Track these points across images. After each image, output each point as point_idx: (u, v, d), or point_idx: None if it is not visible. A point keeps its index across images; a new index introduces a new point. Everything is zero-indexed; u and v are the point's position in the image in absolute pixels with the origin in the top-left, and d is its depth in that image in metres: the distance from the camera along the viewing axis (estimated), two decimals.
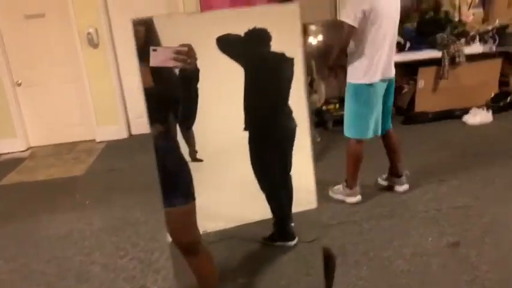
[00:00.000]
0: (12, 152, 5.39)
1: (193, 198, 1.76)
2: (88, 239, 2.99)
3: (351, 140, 3.06)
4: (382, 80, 2.90)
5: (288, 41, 1.80)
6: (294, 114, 1.90)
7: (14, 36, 5.19)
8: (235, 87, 1.92)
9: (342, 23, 2.74)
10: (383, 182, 3.33)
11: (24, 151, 5.44)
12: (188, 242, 1.83)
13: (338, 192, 3.18)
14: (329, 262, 2.02)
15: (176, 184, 1.77)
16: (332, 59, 3.06)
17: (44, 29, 5.17)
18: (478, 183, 3.21)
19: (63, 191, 3.95)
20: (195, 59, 1.61)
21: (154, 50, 1.60)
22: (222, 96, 1.85)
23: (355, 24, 2.68)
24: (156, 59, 1.60)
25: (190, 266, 1.89)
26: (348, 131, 3.06)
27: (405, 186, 3.18)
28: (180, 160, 1.75)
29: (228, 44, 1.81)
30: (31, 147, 5.54)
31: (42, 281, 2.55)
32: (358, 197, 3.11)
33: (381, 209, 2.96)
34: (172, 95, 1.69)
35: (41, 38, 5.17)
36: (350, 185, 3.10)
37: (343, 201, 3.12)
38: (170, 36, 1.68)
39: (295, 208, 2.10)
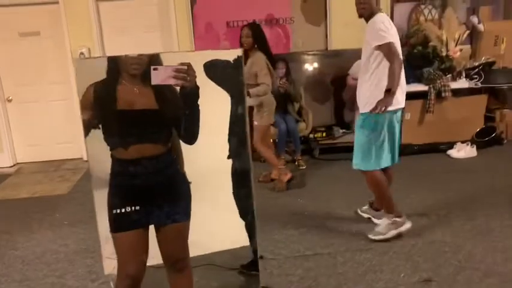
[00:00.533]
0: None
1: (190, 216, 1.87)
2: (61, 261, 2.96)
3: (371, 173, 2.94)
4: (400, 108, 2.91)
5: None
6: None
7: (7, 53, 5.27)
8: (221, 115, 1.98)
9: (382, 47, 2.71)
10: (363, 214, 3.33)
11: (10, 167, 5.43)
12: (182, 258, 1.91)
13: (388, 229, 2.93)
14: None
15: (179, 200, 1.86)
16: (396, 84, 2.71)
17: (37, 46, 5.24)
18: (457, 219, 3.22)
19: (44, 210, 3.92)
20: (194, 76, 1.72)
21: (155, 69, 1.69)
22: (207, 123, 1.90)
23: (391, 39, 2.71)
24: (157, 77, 1.69)
25: (175, 283, 1.94)
26: (367, 163, 2.92)
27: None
28: (184, 177, 1.86)
29: (214, 70, 1.87)
30: (18, 163, 5.54)
31: None
32: (408, 222, 2.95)
33: (357, 242, 2.95)
34: (175, 114, 1.77)
35: (34, 56, 5.24)
36: (393, 211, 2.96)
37: (398, 234, 2.93)
38: None
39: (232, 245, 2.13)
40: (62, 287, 2.65)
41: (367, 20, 2.87)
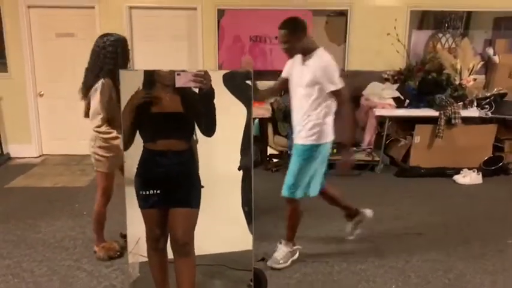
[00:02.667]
0: (25, 157, 5.71)
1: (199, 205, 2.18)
2: (79, 247, 3.21)
3: (297, 203, 2.99)
4: None
5: None
6: None
7: (44, 52, 5.63)
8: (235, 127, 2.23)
9: (337, 92, 2.74)
10: (350, 236, 3.29)
11: (36, 157, 5.76)
12: (188, 242, 2.18)
13: (287, 257, 2.98)
14: (260, 282, 2.37)
15: (193, 190, 2.18)
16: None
17: (72, 47, 5.57)
18: (453, 240, 3.36)
19: (64, 200, 4.20)
20: (210, 80, 2.08)
21: (178, 74, 2.05)
22: (222, 134, 2.17)
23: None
24: (180, 81, 2.05)
25: (180, 268, 2.20)
26: (297, 191, 2.93)
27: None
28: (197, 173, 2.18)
29: (232, 81, 2.14)
30: (43, 155, 5.86)
31: (30, 280, 2.76)
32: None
33: (355, 254, 3.13)
34: (196, 115, 2.13)
35: (68, 55, 5.57)
36: (293, 241, 3.05)
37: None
38: None
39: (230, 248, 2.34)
40: (77, 269, 2.89)
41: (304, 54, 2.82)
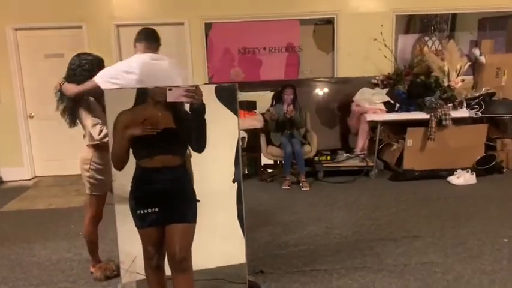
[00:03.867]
0: (18, 180, 5.67)
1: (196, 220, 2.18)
2: (75, 268, 3.17)
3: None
4: None
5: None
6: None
7: (33, 73, 5.63)
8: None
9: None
10: None
11: (29, 180, 5.72)
12: (186, 257, 2.16)
13: None
14: None
15: (189, 205, 2.18)
16: None
17: (61, 67, 5.42)
18: (450, 242, 3.36)
19: (59, 221, 4.16)
20: (202, 96, 2.08)
21: (170, 89, 2.05)
22: (215, 148, 2.18)
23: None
24: (171, 96, 2.04)
25: (178, 284, 2.18)
26: None
27: None
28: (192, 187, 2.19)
29: (224, 93, 2.15)
30: (36, 177, 5.82)
31: None
32: None
33: (352, 260, 3.12)
34: (188, 131, 2.13)
35: (57, 76, 5.50)
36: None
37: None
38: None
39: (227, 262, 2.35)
40: None
41: None
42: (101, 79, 2.58)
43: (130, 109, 2.10)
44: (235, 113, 2.18)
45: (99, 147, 2.74)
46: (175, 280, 2.19)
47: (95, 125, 2.69)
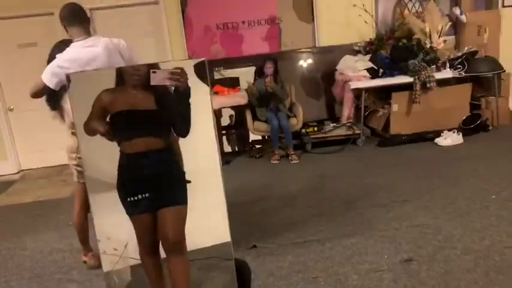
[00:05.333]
0: (4, 175, 5.58)
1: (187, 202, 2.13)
2: (67, 258, 3.15)
3: None
4: None
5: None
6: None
7: (7, 65, 5.47)
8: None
9: None
10: None
11: (15, 174, 5.64)
12: (180, 240, 2.13)
13: None
14: (243, 274, 2.30)
15: (179, 187, 2.13)
16: None
17: (35, 57, 5.39)
18: (440, 203, 3.39)
19: (48, 213, 4.12)
20: (187, 78, 2.00)
21: (154, 72, 1.95)
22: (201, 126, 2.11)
23: None
24: (155, 79, 1.95)
25: (174, 266, 2.16)
26: None
27: None
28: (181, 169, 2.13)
29: (202, 70, 2.08)
30: (22, 170, 5.74)
31: None
32: None
33: (344, 228, 3.13)
34: (170, 113, 2.06)
35: (32, 66, 5.38)
36: None
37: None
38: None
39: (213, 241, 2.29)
40: (68, 281, 2.84)
41: None
42: (45, 76, 2.57)
43: (111, 89, 2.03)
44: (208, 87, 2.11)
45: None
46: (170, 262, 2.16)
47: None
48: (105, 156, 2.10)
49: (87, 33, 2.70)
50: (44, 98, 2.80)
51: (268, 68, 4.90)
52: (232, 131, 5.53)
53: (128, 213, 2.11)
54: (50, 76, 2.55)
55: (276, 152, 5.00)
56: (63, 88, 2.65)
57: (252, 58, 5.58)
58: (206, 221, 2.27)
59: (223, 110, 5.17)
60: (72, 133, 2.75)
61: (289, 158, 4.92)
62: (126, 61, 2.70)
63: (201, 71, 2.07)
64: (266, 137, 5.42)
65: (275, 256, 2.87)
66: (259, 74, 5.11)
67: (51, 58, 2.71)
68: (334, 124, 5.38)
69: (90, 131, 2.04)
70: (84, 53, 2.61)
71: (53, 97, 2.74)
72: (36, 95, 2.68)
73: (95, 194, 2.11)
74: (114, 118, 2.03)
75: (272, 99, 4.98)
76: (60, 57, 2.60)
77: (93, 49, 2.63)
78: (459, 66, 5.09)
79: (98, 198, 2.11)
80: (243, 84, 5.34)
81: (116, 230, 2.20)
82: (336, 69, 5.37)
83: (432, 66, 5.05)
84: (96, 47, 2.64)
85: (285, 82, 5.08)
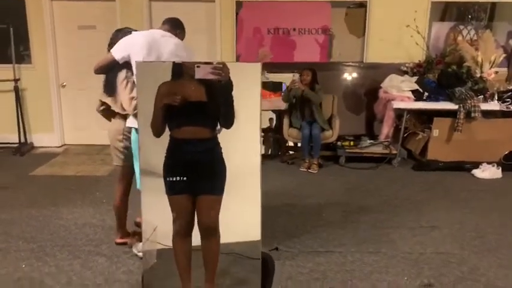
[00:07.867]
0: (48, 147, 5.89)
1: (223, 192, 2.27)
2: (99, 233, 3.32)
3: None
4: None
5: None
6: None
7: (66, 44, 5.78)
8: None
9: None
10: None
11: (59, 147, 5.93)
12: (215, 227, 2.25)
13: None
14: (267, 265, 2.36)
15: (218, 177, 2.26)
16: None
17: (93, 39, 5.69)
18: (468, 234, 3.34)
19: (85, 188, 4.33)
20: (228, 72, 2.14)
21: (198, 66, 2.11)
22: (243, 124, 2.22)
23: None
24: (199, 73, 2.12)
25: (206, 245, 2.27)
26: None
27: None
28: (223, 160, 2.25)
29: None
30: (65, 144, 6.03)
31: (52, 263, 2.87)
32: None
33: (368, 245, 3.15)
34: (218, 105, 2.19)
35: (90, 47, 5.69)
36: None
37: None
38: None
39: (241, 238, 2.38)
40: (97, 254, 2.99)
41: None
42: (116, 47, 2.74)
43: (168, 81, 2.17)
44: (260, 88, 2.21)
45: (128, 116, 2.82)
46: (203, 242, 2.27)
47: (132, 98, 2.74)
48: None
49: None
50: (101, 82, 2.94)
51: (305, 77, 4.96)
52: (270, 134, 5.60)
53: (166, 192, 2.23)
54: (123, 47, 2.72)
55: (306, 160, 5.04)
56: (120, 69, 2.80)
57: (298, 65, 5.64)
58: (239, 216, 2.35)
59: (263, 112, 5.25)
60: (118, 115, 2.89)
61: (310, 167, 4.94)
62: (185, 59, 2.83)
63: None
64: (299, 145, 5.47)
65: (296, 261, 2.92)
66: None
67: (112, 43, 2.86)
68: (372, 141, 5.36)
69: (155, 126, 2.18)
70: (162, 41, 2.79)
71: (111, 82, 2.86)
72: (100, 69, 2.82)
73: (146, 178, 2.26)
74: (169, 107, 2.18)
75: (306, 106, 5.02)
76: (133, 37, 2.78)
77: (167, 38, 2.84)
78: (508, 99, 4.97)
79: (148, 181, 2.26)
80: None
81: (149, 212, 2.32)
82: (381, 87, 5.34)
83: (479, 96, 4.95)
84: (172, 38, 2.87)
85: (321, 91, 5.06)
